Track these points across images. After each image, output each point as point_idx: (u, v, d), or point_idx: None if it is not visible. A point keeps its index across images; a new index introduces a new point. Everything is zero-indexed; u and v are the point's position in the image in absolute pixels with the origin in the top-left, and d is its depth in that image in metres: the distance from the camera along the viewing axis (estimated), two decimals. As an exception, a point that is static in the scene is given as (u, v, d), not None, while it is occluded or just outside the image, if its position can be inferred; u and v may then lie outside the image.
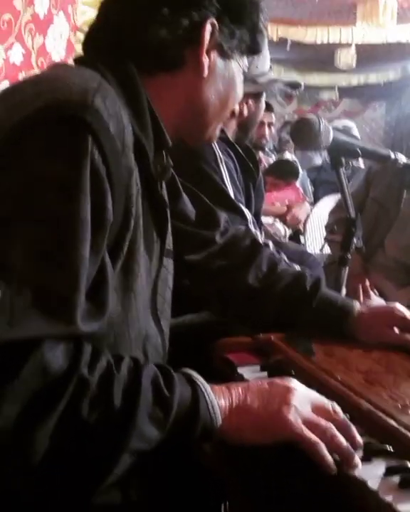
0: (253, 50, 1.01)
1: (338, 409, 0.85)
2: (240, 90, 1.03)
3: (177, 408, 0.75)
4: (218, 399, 0.80)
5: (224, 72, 0.97)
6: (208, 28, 0.91)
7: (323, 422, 0.81)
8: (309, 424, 0.80)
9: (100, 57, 0.91)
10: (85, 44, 0.98)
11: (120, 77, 0.88)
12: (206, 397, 0.78)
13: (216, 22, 0.91)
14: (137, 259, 0.87)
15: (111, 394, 0.71)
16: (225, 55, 0.96)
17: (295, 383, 0.86)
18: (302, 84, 1.94)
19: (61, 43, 2.70)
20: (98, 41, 0.95)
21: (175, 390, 0.76)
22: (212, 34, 0.92)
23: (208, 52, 0.93)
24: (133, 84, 0.89)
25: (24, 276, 0.69)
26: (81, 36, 2.85)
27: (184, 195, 1.24)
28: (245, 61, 1.01)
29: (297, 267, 1.75)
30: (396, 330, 1.18)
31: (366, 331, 1.18)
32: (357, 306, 1.22)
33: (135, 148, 0.84)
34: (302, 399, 0.83)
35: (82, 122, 0.73)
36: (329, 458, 0.78)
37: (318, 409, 0.83)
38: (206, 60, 0.93)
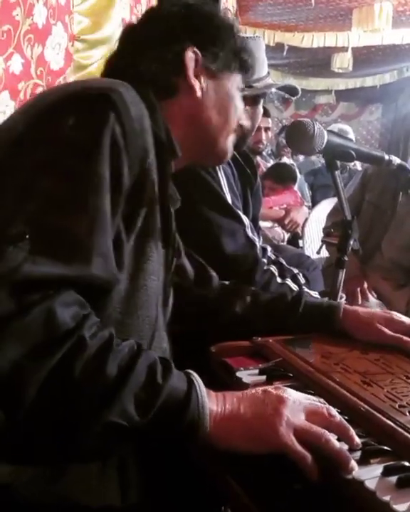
0: (241, 67, 1.11)
1: (333, 412, 0.85)
2: (239, 103, 1.11)
3: (166, 397, 0.76)
4: (211, 403, 0.80)
5: (218, 90, 1.07)
6: (189, 55, 1.02)
7: (315, 428, 0.81)
8: (302, 432, 0.81)
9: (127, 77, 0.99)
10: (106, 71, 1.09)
11: (141, 94, 0.94)
12: (199, 395, 0.79)
13: (196, 50, 1.03)
14: (149, 242, 0.93)
15: (105, 363, 0.73)
16: (214, 75, 1.07)
17: (288, 392, 0.85)
18: (299, 89, 1.95)
19: (60, 52, 2.72)
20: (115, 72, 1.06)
21: (169, 380, 0.77)
22: (196, 60, 1.03)
23: (197, 76, 1.04)
24: (150, 104, 0.96)
25: (45, 219, 0.75)
26: (78, 45, 2.87)
27: (183, 253, 1.31)
28: (237, 79, 1.10)
29: (295, 270, 1.77)
30: (384, 329, 1.21)
31: (359, 328, 1.22)
32: (343, 305, 1.27)
33: (155, 142, 0.93)
34: (295, 407, 0.83)
35: (108, 100, 0.84)
36: (314, 471, 0.78)
37: (313, 415, 0.83)
38: (195, 83, 1.04)
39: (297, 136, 1.29)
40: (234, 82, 1.10)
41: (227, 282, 1.38)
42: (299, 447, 0.79)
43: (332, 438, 0.81)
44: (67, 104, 0.85)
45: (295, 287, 1.64)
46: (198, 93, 1.04)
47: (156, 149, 0.93)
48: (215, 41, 1.06)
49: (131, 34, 1.09)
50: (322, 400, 0.88)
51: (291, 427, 0.80)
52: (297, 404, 0.83)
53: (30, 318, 0.69)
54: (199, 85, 1.04)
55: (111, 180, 0.81)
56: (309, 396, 0.88)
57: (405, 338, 1.18)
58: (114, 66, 1.08)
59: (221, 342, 1.19)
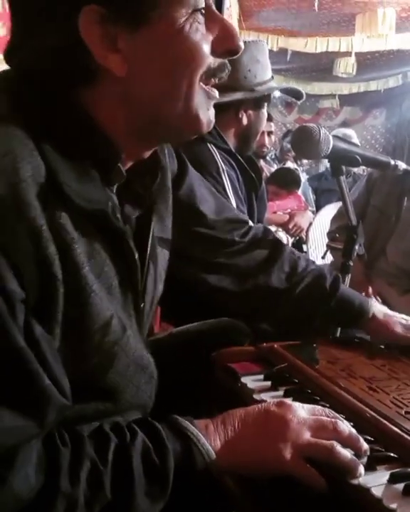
0: None
1: (341, 426, 0.83)
2: (193, 36, 0.75)
3: (174, 472, 0.74)
4: (214, 442, 0.79)
5: (150, 45, 0.73)
6: (87, 20, 0.69)
7: (323, 443, 0.80)
8: (310, 450, 0.80)
9: (19, 73, 0.76)
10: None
11: (35, 98, 0.73)
12: (200, 448, 0.78)
13: (97, 6, 0.69)
14: (90, 312, 0.74)
15: (104, 491, 0.69)
16: (136, 26, 0.72)
17: (291, 411, 0.83)
18: (304, 93, 1.96)
19: None
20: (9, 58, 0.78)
21: (168, 457, 0.74)
22: (100, 23, 0.70)
23: (112, 45, 0.72)
24: (57, 107, 0.73)
25: None
26: None
27: (201, 194, 1.17)
28: None
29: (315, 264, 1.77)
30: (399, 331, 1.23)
31: (378, 331, 1.24)
32: (373, 307, 1.27)
33: (58, 193, 0.70)
34: (300, 428, 0.81)
35: None
36: (324, 487, 0.78)
37: (319, 431, 0.82)
38: (112, 60, 0.72)
39: (302, 141, 1.29)
40: (176, 6, 0.73)
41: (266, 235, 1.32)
42: (306, 470, 0.78)
43: (340, 448, 0.80)
44: None
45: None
46: (119, 72, 0.73)
47: (61, 194, 0.70)
48: None
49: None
50: (328, 410, 0.87)
51: (297, 450, 0.79)
52: (301, 424, 0.82)
53: None
54: (117, 60, 0.72)
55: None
56: (315, 408, 0.87)
57: None
58: (5, 53, 0.77)
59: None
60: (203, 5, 0.76)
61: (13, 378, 0.64)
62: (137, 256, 0.84)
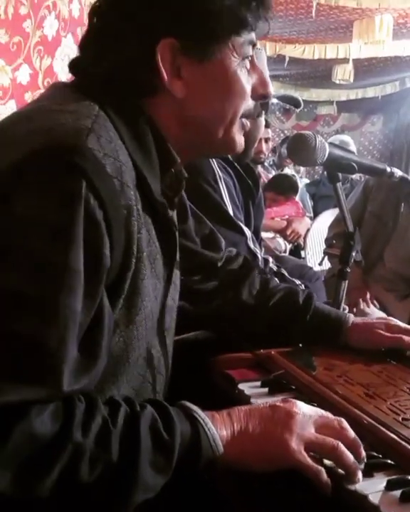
0: (244, 22, 0.87)
1: (345, 424, 0.84)
2: (243, 78, 0.90)
3: (179, 449, 0.75)
4: (220, 430, 0.79)
5: (209, 76, 0.87)
6: (164, 49, 0.83)
7: (329, 440, 0.81)
8: (314, 445, 0.80)
9: (96, 79, 0.87)
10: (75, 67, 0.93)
11: (117, 101, 0.84)
12: (207, 431, 0.78)
13: (174, 40, 0.83)
14: (140, 293, 0.84)
15: (110, 452, 0.70)
16: (201, 59, 0.86)
17: (298, 406, 0.84)
18: (301, 101, 1.96)
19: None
20: (81, 66, 0.91)
21: (175, 431, 0.75)
22: (173, 53, 0.84)
23: (177, 73, 0.85)
24: (131, 108, 0.85)
25: (5, 332, 0.66)
26: None
27: (190, 219, 1.24)
28: (239, 41, 0.87)
29: (297, 281, 1.77)
30: (384, 333, 1.22)
31: (361, 339, 1.22)
32: (351, 317, 1.26)
33: (138, 182, 0.81)
34: (306, 422, 0.82)
35: (76, 167, 0.70)
36: (328, 484, 0.78)
37: (324, 428, 0.83)
38: (174, 84, 0.85)
39: (298, 148, 1.30)
40: (233, 52, 0.87)
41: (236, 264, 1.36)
42: (311, 463, 0.79)
43: (345, 449, 0.80)
44: (31, 171, 0.70)
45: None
46: (179, 94, 0.86)
47: (141, 182, 0.82)
48: (199, 17, 0.83)
49: (94, 20, 0.89)
50: (330, 414, 0.87)
51: (302, 442, 0.80)
52: (307, 418, 0.83)
53: (10, 447, 0.64)
54: (180, 84, 0.85)
55: (88, 270, 0.70)
56: (319, 409, 0.87)
57: (405, 337, 1.20)
58: (77, 64, 0.90)
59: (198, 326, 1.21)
60: (250, 53, 0.91)
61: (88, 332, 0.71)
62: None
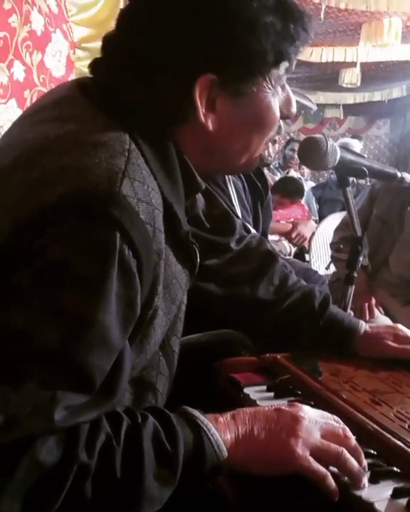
0: (280, 57, 0.84)
1: (349, 433, 0.84)
2: (272, 112, 0.89)
3: (183, 459, 0.74)
4: (223, 434, 0.79)
5: (241, 111, 0.86)
6: (203, 85, 0.81)
7: (333, 447, 0.80)
8: (319, 451, 0.80)
9: (127, 105, 0.84)
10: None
11: (146, 129, 0.82)
12: (210, 437, 0.77)
13: (214, 76, 0.81)
14: (153, 323, 0.84)
15: (114, 469, 0.70)
16: (236, 94, 0.84)
17: (303, 410, 0.84)
18: (314, 103, 1.95)
19: (61, 59, 2.72)
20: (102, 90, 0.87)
21: (178, 441, 0.74)
22: (210, 87, 0.82)
23: (211, 107, 0.83)
24: (160, 136, 0.83)
25: (29, 375, 0.66)
26: (80, 53, 2.87)
27: (200, 201, 1.22)
28: (274, 74, 0.86)
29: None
30: (392, 343, 1.20)
31: (369, 348, 1.21)
32: (363, 326, 1.24)
33: (165, 213, 0.80)
34: (311, 427, 0.82)
35: (110, 217, 0.69)
36: (335, 489, 0.78)
37: (329, 435, 0.82)
38: (208, 117, 0.84)
39: (309, 152, 1.29)
40: (269, 84, 0.86)
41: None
42: (318, 467, 0.79)
43: (350, 456, 0.80)
44: (62, 220, 0.68)
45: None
46: (211, 127, 0.85)
47: (169, 213, 0.81)
48: (243, 56, 0.81)
49: (115, 43, 0.86)
50: (337, 418, 0.87)
51: (308, 448, 0.80)
52: (312, 423, 0.82)
53: (18, 479, 0.64)
54: (213, 118, 0.84)
55: (120, 319, 0.71)
56: (324, 413, 0.87)
57: None
58: (104, 89, 0.85)
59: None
60: (284, 81, 0.90)
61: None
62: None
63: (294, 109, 0.94)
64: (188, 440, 0.76)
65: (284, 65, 0.86)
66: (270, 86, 0.86)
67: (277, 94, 0.89)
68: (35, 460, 0.65)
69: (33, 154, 0.76)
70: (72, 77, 2.78)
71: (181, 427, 0.77)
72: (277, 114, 0.90)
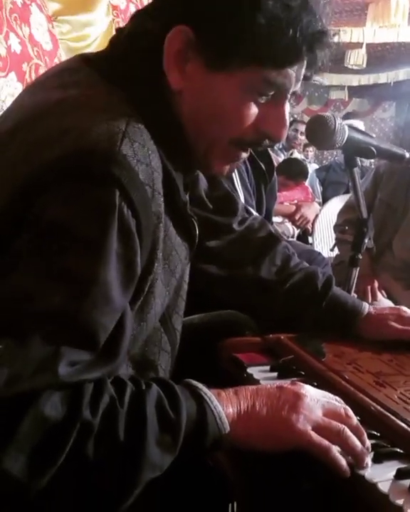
0: (265, 57, 0.80)
1: (350, 413, 0.84)
2: (243, 112, 0.83)
3: (185, 428, 0.74)
4: (226, 407, 0.79)
5: (211, 85, 0.81)
6: (174, 33, 0.79)
7: (335, 424, 0.81)
8: (320, 428, 0.80)
9: (128, 69, 0.84)
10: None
11: (144, 95, 0.82)
12: (213, 409, 0.77)
13: (188, 29, 0.78)
14: (154, 292, 0.85)
15: (116, 431, 0.70)
16: (213, 63, 0.80)
17: (305, 388, 0.84)
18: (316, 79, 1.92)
19: (44, 33, 2.69)
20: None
21: (181, 409, 0.75)
22: (184, 42, 0.79)
23: (182, 62, 0.80)
24: (157, 102, 0.82)
25: (33, 332, 0.67)
26: (64, 28, 2.82)
27: (203, 182, 1.21)
28: (253, 77, 0.81)
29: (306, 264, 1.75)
30: (396, 325, 1.20)
31: (373, 331, 1.20)
32: (366, 307, 1.23)
33: (165, 181, 0.80)
34: (313, 404, 0.82)
35: (110, 176, 0.69)
36: (343, 462, 0.78)
37: (330, 413, 0.82)
38: (172, 70, 0.81)
39: (317, 131, 1.26)
40: (246, 80, 0.80)
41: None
42: (320, 440, 0.78)
43: (351, 434, 0.80)
44: (62, 178, 0.69)
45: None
46: (174, 85, 0.81)
47: (168, 180, 0.81)
48: (221, 17, 0.77)
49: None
50: (338, 398, 0.87)
51: (309, 424, 0.80)
52: (314, 401, 0.82)
53: (22, 433, 0.65)
54: (177, 76, 0.80)
55: (121, 279, 0.72)
56: (326, 393, 0.87)
57: None
58: (106, 59, 0.86)
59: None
60: (268, 93, 0.83)
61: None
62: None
63: (281, 134, 0.87)
64: (191, 411, 0.76)
65: (272, 73, 0.81)
66: (246, 83, 0.81)
67: (255, 101, 0.83)
68: (40, 414, 0.66)
69: (35, 117, 0.77)
70: (61, 52, 2.74)
71: (185, 397, 0.77)
72: (246, 113, 0.83)
